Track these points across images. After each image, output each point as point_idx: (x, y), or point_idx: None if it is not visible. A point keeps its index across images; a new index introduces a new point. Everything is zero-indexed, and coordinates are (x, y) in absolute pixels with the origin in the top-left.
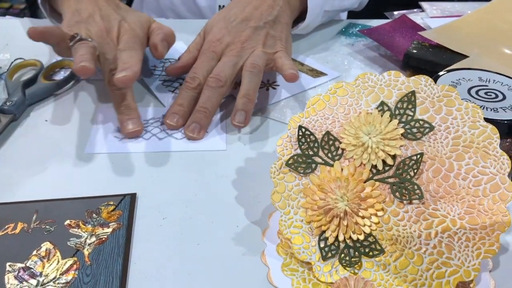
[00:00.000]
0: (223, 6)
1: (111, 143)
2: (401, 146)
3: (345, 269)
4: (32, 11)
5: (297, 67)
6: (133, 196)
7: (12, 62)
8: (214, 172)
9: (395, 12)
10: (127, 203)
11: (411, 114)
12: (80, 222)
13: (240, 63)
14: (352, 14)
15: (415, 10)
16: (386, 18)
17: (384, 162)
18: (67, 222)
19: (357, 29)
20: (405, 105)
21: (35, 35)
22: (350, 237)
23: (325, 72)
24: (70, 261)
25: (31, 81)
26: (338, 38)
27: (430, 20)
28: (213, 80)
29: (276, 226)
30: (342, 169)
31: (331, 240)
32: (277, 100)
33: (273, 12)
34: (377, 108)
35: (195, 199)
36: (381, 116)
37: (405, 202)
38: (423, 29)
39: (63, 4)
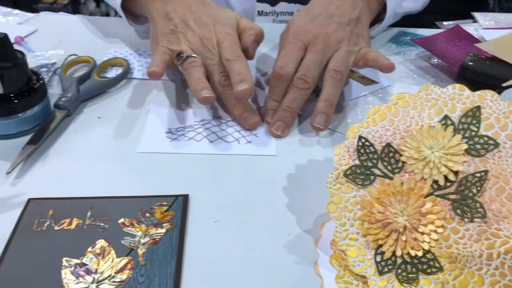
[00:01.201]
0: (262, 11)
1: (163, 143)
2: (464, 162)
3: (402, 285)
4: (74, 6)
5: (348, 74)
6: (185, 197)
7: (66, 58)
8: (264, 178)
9: (445, 22)
10: (179, 204)
11: (475, 129)
12: (134, 221)
13: (325, 61)
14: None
15: (467, 20)
16: (437, 27)
17: (445, 177)
18: (121, 220)
19: (408, 37)
20: (469, 120)
21: (159, 76)
22: (408, 253)
23: (376, 80)
24: (124, 260)
25: (85, 78)
26: (389, 46)
27: (485, 32)
28: (300, 81)
29: (329, 236)
30: (402, 183)
31: (388, 254)
32: None
33: (355, 11)
34: (440, 121)
35: (246, 204)
36: (444, 130)
37: (466, 220)
38: (477, 40)
39: (149, 7)
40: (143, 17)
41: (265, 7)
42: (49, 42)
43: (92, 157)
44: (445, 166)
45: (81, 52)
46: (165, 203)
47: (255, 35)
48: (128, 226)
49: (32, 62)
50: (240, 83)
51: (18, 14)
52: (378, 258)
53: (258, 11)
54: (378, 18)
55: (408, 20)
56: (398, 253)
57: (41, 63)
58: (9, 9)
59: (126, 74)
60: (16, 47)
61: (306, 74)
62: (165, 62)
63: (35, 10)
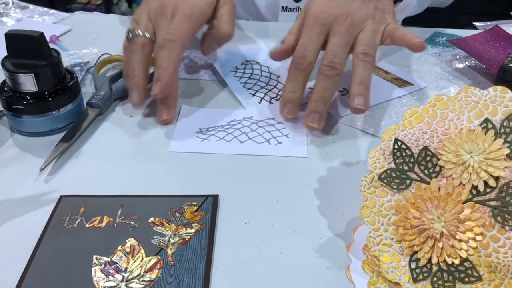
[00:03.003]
0: (286, 7)
1: (194, 143)
2: (506, 167)
3: None
4: (107, 6)
5: (382, 75)
6: (215, 198)
7: (99, 57)
8: (295, 179)
9: (482, 23)
10: (209, 204)
11: None
12: (164, 221)
13: (350, 42)
14: (436, 23)
15: (507, 20)
16: (474, 28)
17: (485, 183)
18: (151, 219)
19: (444, 38)
20: (511, 124)
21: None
22: (445, 261)
23: (411, 81)
24: (154, 259)
25: (117, 77)
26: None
27: None
28: (328, 68)
29: (361, 241)
30: (439, 188)
31: (423, 261)
32: None
33: None
34: (480, 125)
35: (276, 206)
36: (485, 134)
37: (507, 228)
38: None
39: None
40: None
41: (289, 3)
42: (83, 41)
43: (123, 155)
44: (485, 171)
45: (114, 51)
46: (195, 203)
47: (217, 37)
48: (158, 225)
49: (66, 60)
50: (156, 82)
51: (53, 14)
52: (413, 265)
53: (282, 7)
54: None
55: (444, 20)
56: (434, 260)
57: (75, 62)
58: (45, 9)
59: None
60: (51, 46)
61: (333, 60)
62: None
63: (69, 10)
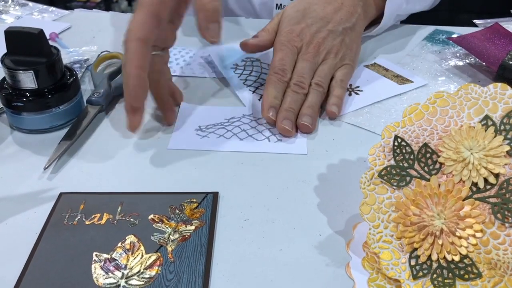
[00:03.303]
0: (281, 4)
1: (193, 140)
2: (506, 164)
3: None
4: (107, 5)
5: (381, 72)
6: (215, 195)
7: (99, 55)
8: (295, 177)
9: (482, 21)
10: (209, 202)
11: None
12: (163, 217)
13: (314, 67)
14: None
15: (507, 18)
16: (474, 26)
17: (485, 180)
18: (151, 216)
19: (444, 36)
20: (511, 120)
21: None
22: (445, 257)
23: (411, 79)
24: (153, 256)
25: (116, 73)
26: (424, 44)
27: None
28: (298, 87)
29: (361, 238)
30: (439, 185)
31: (423, 258)
32: (360, 106)
33: (352, 19)
34: (480, 122)
35: (276, 203)
36: (485, 131)
37: (507, 224)
38: None
39: None
40: None
41: (284, 0)
42: (83, 38)
43: (123, 152)
44: (485, 168)
45: (114, 48)
46: (194, 200)
47: (201, 11)
48: (157, 222)
49: (66, 58)
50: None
51: (53, 11)
52: (413, 262)
53: (277, 5)
54: (378, 20)
55: (444, 18)
56: (434, 257)
57: (75, 59)
58: (44, 6)
59: None
60: (50, 43)
61: (301, 80)
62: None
63: (69, 8)
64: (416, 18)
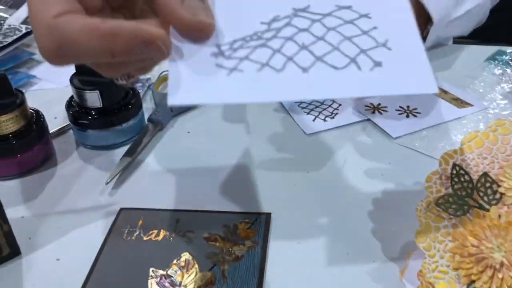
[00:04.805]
0: None
1: (212, 82)
2: None
3: None
4: None
5: (440, 95)
6: (268, 216)
7: (160, 74)
8: (350, 201)
9: None
10: (262, 222)
11: None
12: (217, 236)
13: None
14: (498, 40)
15: None
16: None
17: None
18: (206, 234)
19: (508, 57)
20: None
21: None
22: None
23: (471, 103)
24: (208, 275)
25: None
26: (486, 66)
27: None
28: None
29: (416, 266)
30: (499, 216)
31: None
32: (418, 129)
33: None
34: None
35: (329, 227)
36: None
37: None
38: None
39: None
40: None
41: None
42: None
43: (180, 170)
44: None
45: None
46: (247, 221)
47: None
48: (212, 241)
49: None
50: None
51: None
52: None
53: None
54: None
55: (504, 36)
56: None
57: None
58: None
59: None
60: None
61: None
62: None
63: None
64: (475, 34)
